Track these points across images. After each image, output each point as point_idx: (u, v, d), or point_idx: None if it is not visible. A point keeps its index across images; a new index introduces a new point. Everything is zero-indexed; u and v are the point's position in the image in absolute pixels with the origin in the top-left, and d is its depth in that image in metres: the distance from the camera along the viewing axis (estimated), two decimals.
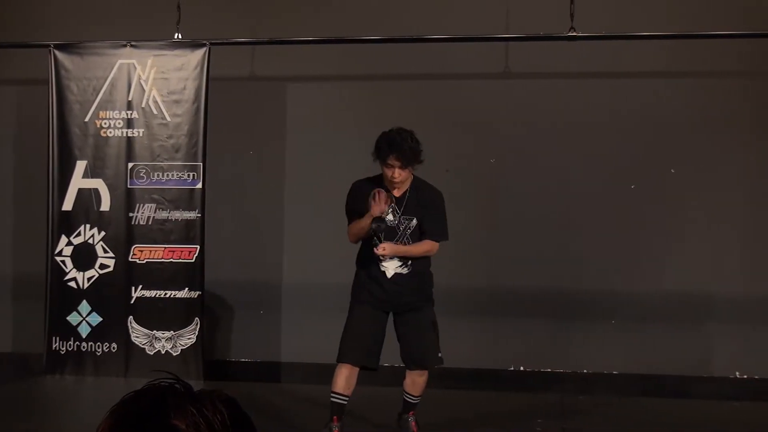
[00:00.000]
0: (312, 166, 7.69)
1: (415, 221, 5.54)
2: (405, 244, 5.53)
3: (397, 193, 5.51)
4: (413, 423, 5.76)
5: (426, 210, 5.57)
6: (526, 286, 7.43)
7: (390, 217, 5.48)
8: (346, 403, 5.58)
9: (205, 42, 7.24)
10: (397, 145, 5.35)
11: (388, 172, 5.41)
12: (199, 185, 7.25)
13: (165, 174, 7.30)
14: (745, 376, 7.21)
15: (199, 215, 7.25)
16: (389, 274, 5.53)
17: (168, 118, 7.30)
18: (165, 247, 7.29)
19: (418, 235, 5.57)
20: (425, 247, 5.57)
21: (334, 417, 5.57)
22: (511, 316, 7.46)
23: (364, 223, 5.40)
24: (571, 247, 7.40)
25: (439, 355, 5.63)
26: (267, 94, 7.81)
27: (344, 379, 5.52)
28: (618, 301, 7.37)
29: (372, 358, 5.59)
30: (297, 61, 7.72)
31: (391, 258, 5.50)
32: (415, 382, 5.67)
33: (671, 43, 7.18)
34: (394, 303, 5.59)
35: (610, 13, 7.27)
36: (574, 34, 6.73)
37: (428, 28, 7.29)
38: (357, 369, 5.55)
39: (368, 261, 5.57)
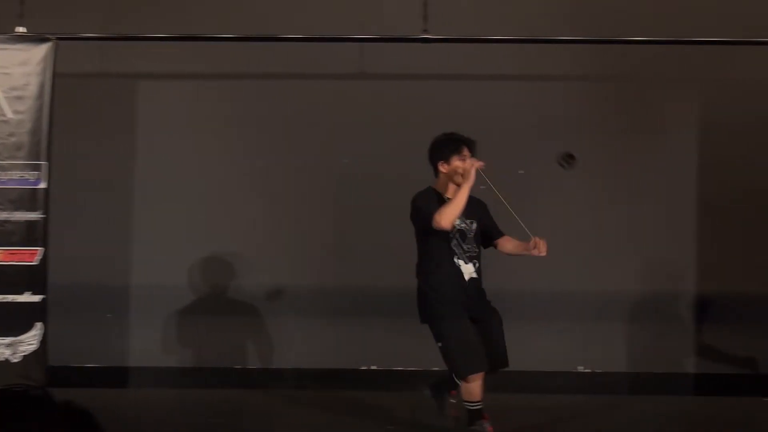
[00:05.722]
0: (162, 165, 7.59)
1: (475, 224, 5.69)
2: (476, 249, 5.67)
3: (453, 196, 5.59)
4: (489, 429, 5.66)
5: (481, 213, 5.76)
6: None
7: (457, 220, 5.55)
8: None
9: (50, 36, 7.00)
10: (465, 138, 5.66)
11: (461, 163, 5.58)
12: (43, 185, 7.00)
13: (6, 173, 7.03)
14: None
15: (43, 216, 7.00)
16: (466, 276, 5.61)
17: (10, 115, 7.04)
18: (5, 249, 7.04)
19: (480, 237, 5.73)
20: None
21: (484, 414, 5.60)
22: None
23: (463, 192, 5.44)
24: None
25: None
26: (117, 91, 7.66)
27: (479, 387, 5.57)
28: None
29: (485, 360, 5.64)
30: (148, 58, 7.58)
31: (467, 262, 5.60)
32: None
33: (529, 46, 7.31)
34: (474, 308, 5.63)
35: (465, 17, 7.39)
36: (427, 36, 6.81)
37: (283, 27, 7.25)
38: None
39: (442, 263, 5.61)
